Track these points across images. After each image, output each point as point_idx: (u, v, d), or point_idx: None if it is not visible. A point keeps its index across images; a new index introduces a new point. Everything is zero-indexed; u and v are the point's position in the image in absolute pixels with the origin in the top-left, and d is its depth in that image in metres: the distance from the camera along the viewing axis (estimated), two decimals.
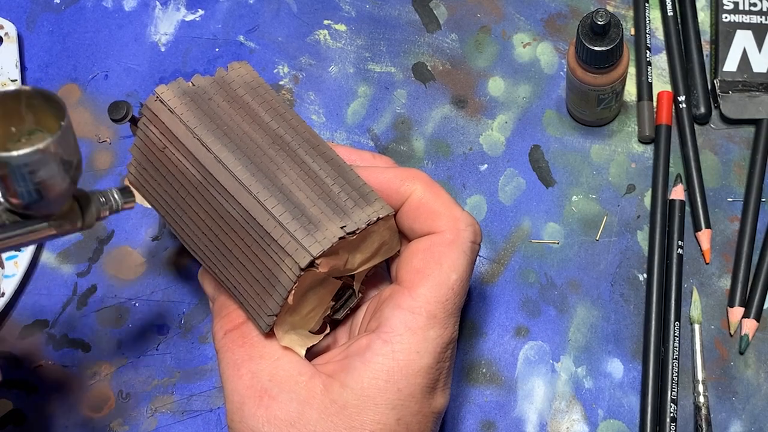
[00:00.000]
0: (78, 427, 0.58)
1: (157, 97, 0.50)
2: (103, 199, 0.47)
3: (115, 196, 0.47)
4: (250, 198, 0.47)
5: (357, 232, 0.47)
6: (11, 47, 0.64)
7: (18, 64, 0.64)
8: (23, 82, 0.65)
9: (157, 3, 0.67)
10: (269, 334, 0.48)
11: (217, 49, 0.65)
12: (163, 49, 0.65)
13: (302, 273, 0.46)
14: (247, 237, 0.47)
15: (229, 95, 0.50)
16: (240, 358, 0.48)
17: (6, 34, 0.65)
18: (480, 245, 0.50)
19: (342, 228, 0.47)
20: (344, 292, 0.51)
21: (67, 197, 0.44)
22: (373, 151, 0.58)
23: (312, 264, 0.46)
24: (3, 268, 0.60)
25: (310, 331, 0.50)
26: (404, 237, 0.51)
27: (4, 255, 0.60)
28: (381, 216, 0.48)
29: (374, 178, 0.50)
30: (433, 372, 0.48)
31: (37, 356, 0.59)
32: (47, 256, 0.61)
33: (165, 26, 0.66)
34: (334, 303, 0.51)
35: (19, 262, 0.60)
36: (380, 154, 0.54)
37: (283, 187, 0.48)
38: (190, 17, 0.66)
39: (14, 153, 0.40)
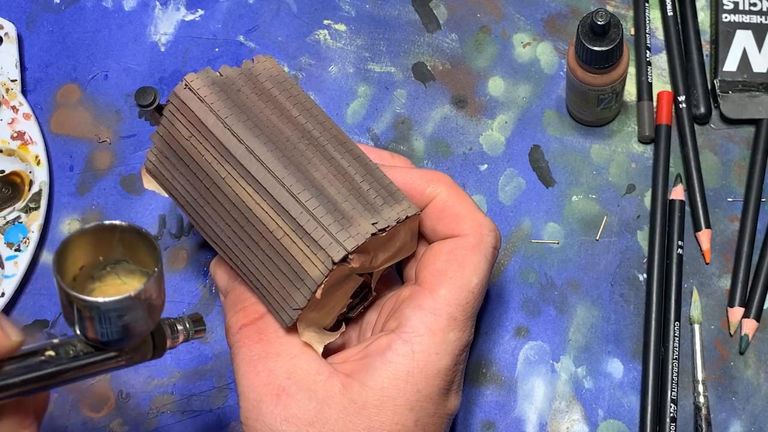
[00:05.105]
0: (78, 427, 0.58)
1: (186, 85, 0.49)
2: (175, 329, 0.46)
3: (187, 325, 0.47)
4: (282, 190, 0.47)
5: (387, 229, 0.47)
6: (11, 47, 0.64)
7: (18, 64, 0.64)
8: (23, 82, 0.65)
9: (157, 3, 0.67)
10: (286, 331, 0.48)
11: (217, 49, 0.65)
12: (162, 49, 0.65)
13: (334, 267, 0.46)
14: (276, 229, 0.47)
15: (257, 87, 0.50)
16: (256, 354, 0.48)
17: (6, 34, 0.65)
18: (498, 251, 0.51)
19: (374, 225, 0.47)
20: (361, 290, 0.51)
21: (146, 335, 0.44)
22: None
23: (345, 259, 0.46)
24: (3, 268, 0.60)
25: (325, 329, 0.50)
26: (424, 238, 0.52)
27: (4, 255, 0.60)
28: (409, 215, 0.48)
29: (399, 178, 0.50)
30: (450, 374, 0.48)
31: None
32: (47, 257, 0.61)
33: (165, 26, 0.66)
34: (351, 300, 0.51)
35: (19, 262, 0.60)
36: (398, 155, 0.54)
37: (315, 181, 0.48)
38: (189, 17, 0.66)
39: (103, 299, 0.39)
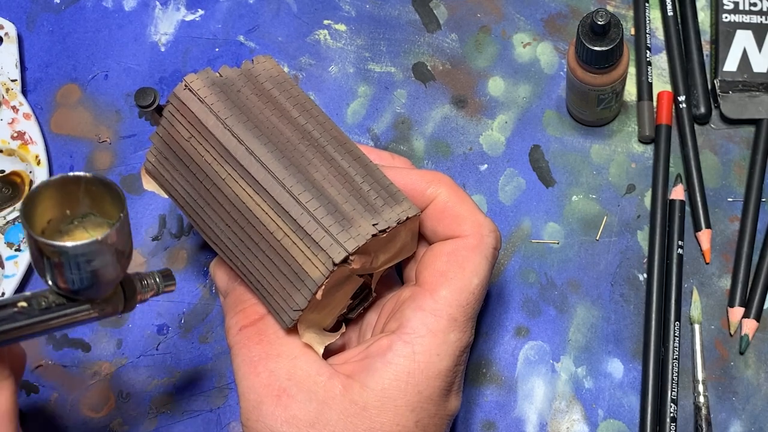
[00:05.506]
0: (78, 427, 0.58)
1: (186, 86, 0.49)
2: (145, 282, 0.48)
3: (157, 279, 0.48)
4: (283, 191, 0.47)
5: (388, 230, 0.47)
6: (11, 47, 0.64)
7: (18, 64, 0.64)
8: (23, 82, 0.65)
9: (157, 3, 0.67)
10: (287, 332, 0.48)
11: (217, 49, 0.65)
12: (163, 49, 0.65)
13: (334, 268, 0.46)
14: (277, 230, 0.47)
15: (257, 88, 0.50)
16: (257, 355, 0.48)
17: (6, 34, 0.65)
18: (499, 251, 0.51)
19: (374, 225, 0.47)
20: (361, 291, 0.51)
21: (116, 283, 0.44)
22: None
23: (346, 260, 0.46)
24: (3, 268, 0.60)
25: (325, 330, 0.50)
26: (424, 239, 0.52)
27: (4, 255, 0.60)
28: (410, 216, 0.48)
29: (399, 179, 0.50)
30: (450, 375, 0.48)
31: (37, 356, 0.59)
32: None
33: (165, 26, 0.66)
34: (351, 301, 0.51)
35: (19, 262, 0.60)
36: (398, 155, 0.54)
37: (315, 182, 0.48)
38: (190, 17, 0.66)
39: (71, 243, 0.40)
